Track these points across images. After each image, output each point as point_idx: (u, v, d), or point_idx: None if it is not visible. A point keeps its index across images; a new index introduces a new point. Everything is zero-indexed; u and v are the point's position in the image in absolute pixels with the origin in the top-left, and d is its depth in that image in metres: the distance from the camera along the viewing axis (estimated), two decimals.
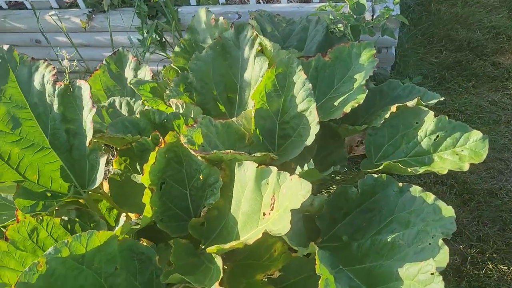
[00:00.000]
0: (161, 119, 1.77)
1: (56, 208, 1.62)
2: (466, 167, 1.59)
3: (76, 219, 1.59)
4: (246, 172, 1.44)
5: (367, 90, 1.81)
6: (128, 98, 2.03)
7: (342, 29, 2.12)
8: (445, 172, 1.62)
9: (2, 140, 1.62)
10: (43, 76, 1.71)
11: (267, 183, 1.38)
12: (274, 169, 1.37)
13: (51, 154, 1.72)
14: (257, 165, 1.41)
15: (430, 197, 1.44)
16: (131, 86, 1.97)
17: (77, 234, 1.28)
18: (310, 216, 1.63)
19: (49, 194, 1.64)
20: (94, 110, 1.59)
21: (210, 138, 1.68)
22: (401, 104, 1.76)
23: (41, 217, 1.51)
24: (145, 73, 2.19)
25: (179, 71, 2.16)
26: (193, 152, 1.49)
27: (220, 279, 1.26)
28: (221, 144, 1.74)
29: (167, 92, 1.91)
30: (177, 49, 2.22)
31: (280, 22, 2.33)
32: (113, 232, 1.35)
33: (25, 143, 1.68)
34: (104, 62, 2.27)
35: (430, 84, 3.09)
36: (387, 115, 1.77)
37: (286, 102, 1.81)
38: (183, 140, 1.52)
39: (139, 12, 2.79)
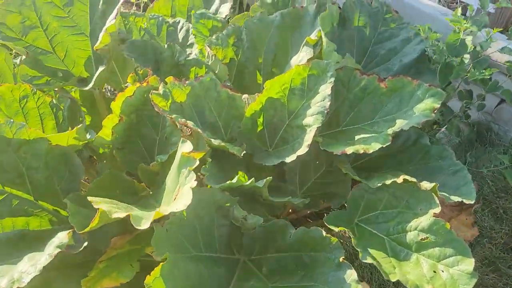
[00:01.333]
0: (180, 60, 1.72)
1: (56, 89, 1.76)
2: None
3: (61, 106, 1.71)
4: (179, 151, 1.35)
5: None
6: (190, 25, 2.00)
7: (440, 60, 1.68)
8: (407, 283, 1.29)
9: (48, 11, 1.77)
10: None
11: (184, 173, 1.28)
12: (195, 162, 1.26)
13: (86, 42, 1.83)
14: (189, 150, 1.30)
15: None
16: (193, 16, 1.92)
17: (11, 121, 1.38)
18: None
19: (60, 74, 1.78)
20: (113, 20, 1.61)
21: (202, 102, 1.59)
22: (409, 179, 1.41)
23: (35, 90, 1.67)
24: (226, 8, 2.11)
25: None
26: (155, 108, 1.43)
27: None
28: (217, 114, 1.64)
29: (213, 37, 1.82)
30: None
31: (389, 20, 1.96)
32: (46, 135, 1.42)
33: (68, 22, 1.81)
34: None
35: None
36: (389, 182, 1.44)
37: (303, 107, 1.60)
38: (155, 90, 1.47)
39: None
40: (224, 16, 2.08)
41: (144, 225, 1.14)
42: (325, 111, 1.52)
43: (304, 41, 1.72)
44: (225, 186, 1.37)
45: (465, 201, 1.41)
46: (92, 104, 1.82)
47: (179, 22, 2.02)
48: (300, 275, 1.41)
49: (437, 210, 1.38)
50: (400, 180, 1.43)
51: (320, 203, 1.71)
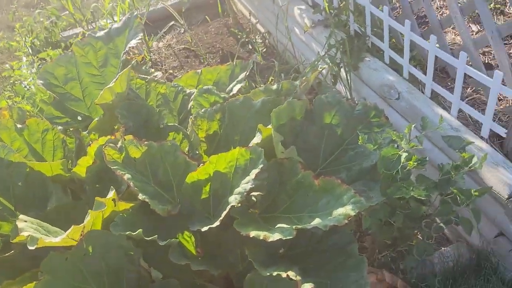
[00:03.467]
0: (159, 124, 2.01)
1: (71, 129, 2.19)
2: None
3: (69, 143, 2.12)
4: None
5: None
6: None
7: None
8: None
9: (85, 69, 2.25)
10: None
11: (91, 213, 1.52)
12: (103, 206, 1.49)
13: None
14: (109, 197, 1.54)
15: None
16: (197, 90, 2.22)
17: (5, 145, 1.81)
18: None
19: (79, 118, 2.21)
20: (115, 81, 1.99)
21: (158, 162, 1.83)
22: (292, 277, 1.42)
23: (53, 126, 2.11)
24: (236, 89, 2.37)
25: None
26: (104, 157, 1.72)
27: None
28: (172, 175, 1.85)
29: (202, 111, 2.08)
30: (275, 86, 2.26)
31: (374, 124, 1.98)
32: (27, 162, 1.82)
33: (99, 79, 2.27)
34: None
35: None
36: (275, 273, 1.47)
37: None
38: (113, 143, 1.76)
39: None
40: (232, 94, 2.34)
41: (31, 246, 1.40)
42: (245, 193, 1.63)
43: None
44: (128, 234, 1.56)
45: None
46: None
47: (192, 93, 2.33)
48: None
49: None
50: (284, 275, 1.45)
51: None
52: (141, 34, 2.19)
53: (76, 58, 2.23)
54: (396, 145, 1.63)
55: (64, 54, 2.26)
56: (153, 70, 2.50)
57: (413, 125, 1.64)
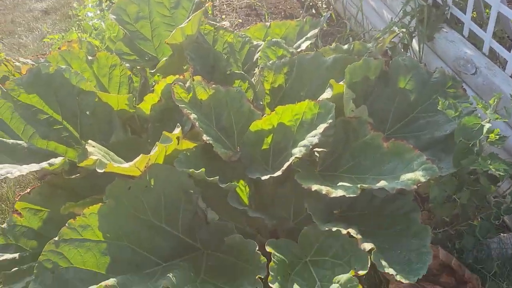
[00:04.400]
0: (226, 71, 1.99)
1: (138, 67, 2.20)
2: None
3: (135, 80, 2.14)
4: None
5: None
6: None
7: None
8: None
9: (157, 8, 2.24)
10: None
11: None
12: (170, 140, 1.50)
13: None
14: (176, 132, 1.54)
15: None
16: (266, 41, 2.17)
17: (77, 72, 1.83)
18: None
19: (146, 58, 2.21)
20: (188, 22, 1.97)
21: (223, 107, 1.81)
22: (353, 234, 1.38)
23: (121, 62, 2.13)
24: (305, 45, 2.30)
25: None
26: (172, 95, 1.71)
27: None
28: (235, 122, 1.83)
29: (269, 63, 2.03)
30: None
31: (450, 94, 1.87)
32: (97, 92, 1.84)
33: (169, 20, 2.26)
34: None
35: None
36: (334, 229, 1.43)
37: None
38: (183, 82, 1.75)
39: None
40: (300, 50, 2.27)
41: (100, 169, 1.43)
42: (310, 146, 1.59)
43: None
44: (191, 172, 1.56)
45: (398, 278, 1.32)
46: None
47: (259, 45, 2.28)
48: (227, 278, 1.52)
49: (363, 272, 1.34)
50: (344, 231, 1.42)
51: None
52: None
53: None
54: (479, 115, 1.53)
55: None
56: (216, 20, 2.45)
57: (501, 95, 1.53)
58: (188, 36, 2.04)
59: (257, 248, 1.48)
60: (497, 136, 1.48)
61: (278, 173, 1.60)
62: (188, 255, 1.63)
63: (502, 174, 1.47)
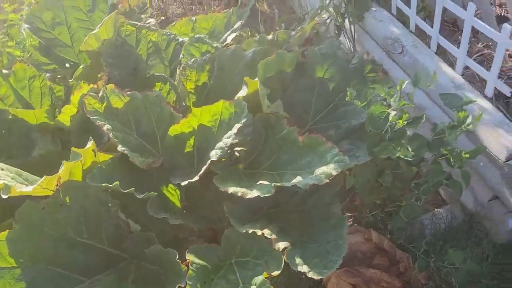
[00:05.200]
0: (146, 74, 1.94)
1: (59, 76, 2.13)
2: None
3: (56, 90, 2.08)
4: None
5: None
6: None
7: None
8: None
9: (73, 13, 2.16)
10: None
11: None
12: (79, 157, 1.47)
13: None
14: (88, 147, 1.51)
15: None
16: (189, 38, 2.13)
17: None
18: None
19: (67, 65, 2.15)
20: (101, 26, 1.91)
21: (141, 113, 1.78)
22: (267, 235, 1.39)
23: (40, 73, 2.06)
24: (230, 38, 2.26)
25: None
26: (84, 107, 1.67)
27: None
28: (157, 127, 1.80)
29: (191, 61, 1.99)
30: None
31: (369, 79, 1.88)
32: (9, 109, 1.78)
33: (87, 24, 2.19)
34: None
35: None
36: (250, 231, 1.44)
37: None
38: (95, 92, 1.70)
39: None
40: (226, 43, 2.23)
41: (4, 195, 1.39)
42: (225, 148, 1.58)
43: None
44: (104, 187, 1.54)
45: (310, 275, 1.33)
46: None
47: (184, 41, 2.23)
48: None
49: (277, 272, 1.35)
50: (259, 232, 1.43)
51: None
52: None
53: (62, 1, 2.14)
54: (386, 102, 1.54)
55: None
56: (144, 16, 2.38)
57: (406, 82, 1.53)
58: (104, 40, 1.98)
59: (177, 257, 1.48)
60: (405, 122, 1.49)
61: (196, 178, 1.59)
62: (116, 266, 1.62)
63: (410, 159, 1.49)
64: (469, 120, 1.47)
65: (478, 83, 2.16)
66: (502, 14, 2.51)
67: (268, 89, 1.67)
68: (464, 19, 1.92)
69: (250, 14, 3.74)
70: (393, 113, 1.48)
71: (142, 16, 2.44)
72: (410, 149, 1.49)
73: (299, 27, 2.03)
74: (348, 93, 1.57)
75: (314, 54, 1.82)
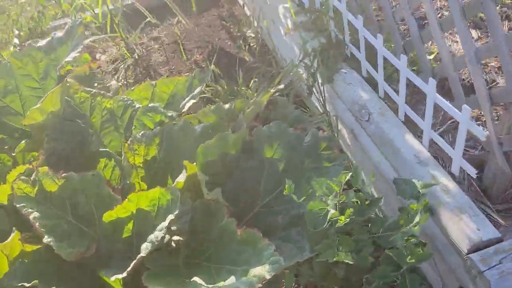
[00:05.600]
0: (91, 149, 1.85)
1: (6, 147, 2.05)
2: None
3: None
4: None
5: None
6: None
7: None
8: None
9: (24, 81, 2.10)
10: None
11: None
12: None
13: None
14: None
15: None
16: (142, 108, 2.05)
17: None
18: None
19: (16, 135, 2.07)
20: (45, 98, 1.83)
21: (79, 195, 1.68)
22: None
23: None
24: (188, 105, 2.18)
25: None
26: (13, 191, 1.58)
27: None
28: (95, 208, 1.70)
29: (139, 134, 1.90)
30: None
31: (324, 157, 1.76)
32: None
33: (39, 92, 2.12)
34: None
35: None
36: None
37: None
38: (27, 176, 1.61)
39: None
40: (182, 111, 2.15)
41: None
42: (156, 242, 1.47)
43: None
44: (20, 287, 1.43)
45: None
46: None
47: (139, 108, 2.15)
48: None
49: None
50: None
51: None
52: (82, 46, 2.01)
53: (13, 70, 2.08)
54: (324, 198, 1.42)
55: (3, 64, 2.11)
56: (102, 82, 2.31)
57: (349, 174, 1.41)
58: (51, 112, 1.90)
59: None
60: (347, 219, 1.37)
61: (124, 274, 1.47)
62: None
63: (350, 262, 1.35)
64: (417, 219, 1.34)
65: (447, 156, 2.04)
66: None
67: (207, 176, 1.57)
68: (427, 93, 1.81)
69: (230, 63, 3.72)
70: (331, 211, 1.36)
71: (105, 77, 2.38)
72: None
73: (252, 100, 1.93)
74: (286, 187, 1.46)
75: (261, 133, 1.72)
